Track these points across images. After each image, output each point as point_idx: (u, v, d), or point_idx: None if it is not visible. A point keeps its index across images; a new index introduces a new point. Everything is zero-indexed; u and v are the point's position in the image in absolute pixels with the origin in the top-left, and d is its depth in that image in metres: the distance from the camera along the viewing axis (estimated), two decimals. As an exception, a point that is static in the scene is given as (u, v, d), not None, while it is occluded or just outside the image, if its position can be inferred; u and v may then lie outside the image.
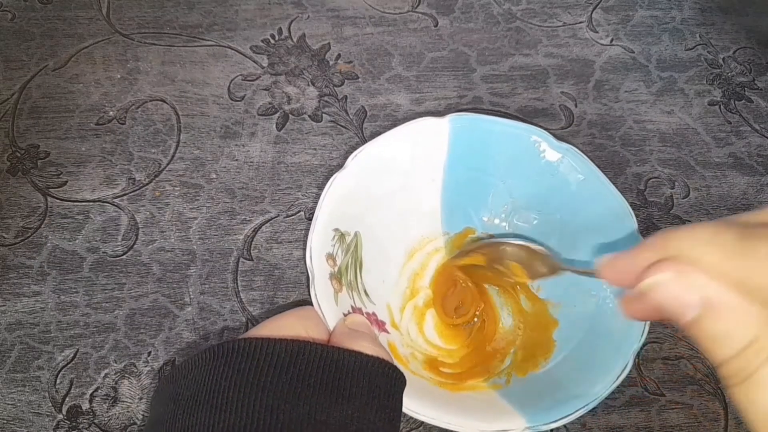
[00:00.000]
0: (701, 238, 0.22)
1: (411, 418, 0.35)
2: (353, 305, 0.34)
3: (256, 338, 0.26)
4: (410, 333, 0.37)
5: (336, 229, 0.35)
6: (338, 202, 0.36)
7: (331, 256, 0.34)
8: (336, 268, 0.34)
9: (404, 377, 0.29)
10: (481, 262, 0.37)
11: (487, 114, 0.40)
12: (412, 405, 0.30)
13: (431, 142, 0.39)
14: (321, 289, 0.33)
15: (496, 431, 0.30)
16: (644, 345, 0.34)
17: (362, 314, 0.34)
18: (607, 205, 0.36)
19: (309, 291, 0.33)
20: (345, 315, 0.33)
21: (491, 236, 0.40)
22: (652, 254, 0.23)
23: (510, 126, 0.38)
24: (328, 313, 0.32)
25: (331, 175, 0.36)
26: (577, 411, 0.31)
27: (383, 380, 0.27)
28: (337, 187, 0.36)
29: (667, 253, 0.23)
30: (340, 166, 0.37)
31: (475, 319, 0.37)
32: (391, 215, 0.38)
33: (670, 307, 0.22)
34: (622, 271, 0.26)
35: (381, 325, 0.35)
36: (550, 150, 0.38)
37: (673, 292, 0.22)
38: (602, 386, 0.31)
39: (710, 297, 0.21)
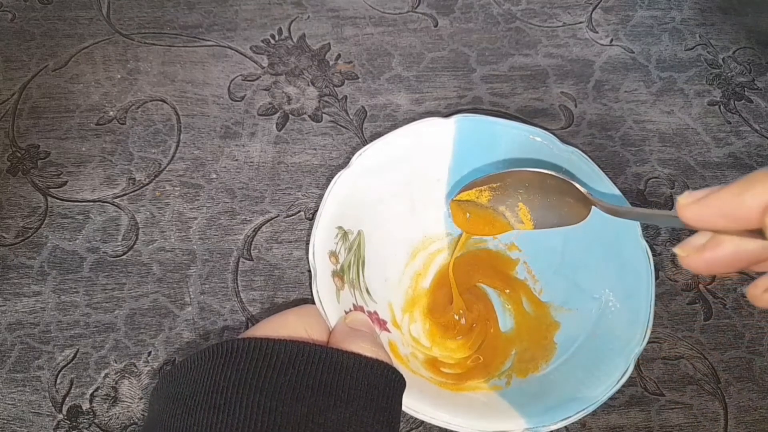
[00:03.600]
0: None
1: (411, 417, 0.35)
2: (355, 303, 0.34)
3: (255, 338, 0.26)
4: (411, 332, 0.37)
5: (339, 227, 0.35)
6: (342, 200, 0.36)
7: (333, 254, 0.34)
8: (338, 266, 0.34)
9: (404, 379, 0.29)
10: (483, 200, 0.34)
11: (488, 114, 0.40)
12: (412, 403, 0.30)
13: (436, 143, 0.39)
14: (323, 286, 0.33)
15: (496, 431, 0.30)
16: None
17: (364, 312, 0.34)
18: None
19: (311, 289, 0.33)
20: (346, 313, 0.33)
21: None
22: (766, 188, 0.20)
23: (515, 128, 0.38)
24: (329, 311, 0.32)
25: (332, 175, 0.36)
26: (577, 413, 0.31)
27: (382, 382, 0.27)
28: (341, 185, 0.36)
29: None
30: (340, 166, 0.37)
31: (474, 324, 0.37)
32: (395, 215, 0.38)
33: None
34: (724, 209, 0.21)
35: (382, 323, 0.35)
36: (555, 152, 0.38)
37: None
38: (603, 389, 0.31)
39: None
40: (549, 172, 0.32)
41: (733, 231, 0.21)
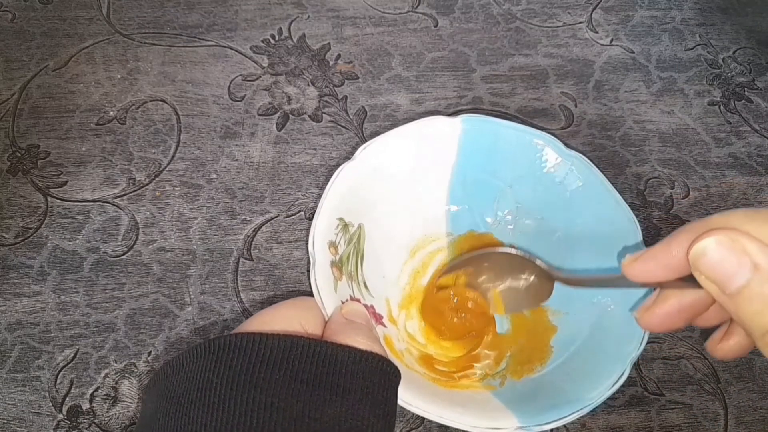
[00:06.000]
0: (744, 215, 0.22)
1: (411, 417, 0.35)
2: (352, 295, 0.34)
3: (248, 333, 0.26)
4: (407, 329, 0.37)
5: (340, 219, 0.35)
6: (344, 193, 0.35)
7: (333, 245, 0.34)
8: (337, 257, 0.34)
9: (399, 372, 0.28)
10: (461, 281, 0.37)
11: (488, 114, 0.40)
12: (406, 396, 0.30)
13: (441, 142, 0.39)
14: (321, 275, 0.32)
15: (489, 428, 0.30)
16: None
17: (360, 303, 0.34)
18: (613, 214, 0.36)
19: (309, 279, 0.33)
20: (343, 303, 0.32)
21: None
22: (692, 235, 0.23)
23: (520, 130, 0.38)
24: (326, 300, 0.32)
25: (331, 175, 0.36)
26: (571, 414, 0.31)
27: (377, 375, 0.27)
28: (344, 177, 0.36)
29: (711, 228, 0.22)
30: (340, 166, 0.37)
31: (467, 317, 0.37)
32: (396, 211, 0.38)
33: (717, 274, 0.22)
34: (658, 261, 0.25)
35: (378, 318, 0.35)
36: (558, 156, 0.38)
37: (724, 256, 0.21)
38: (598, 392, 0.31)
39: (760, 263, 0.21)
40: (513, 251, 0.35)
41: (674, 282, 0.25)
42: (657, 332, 0.30)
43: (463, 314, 0.37)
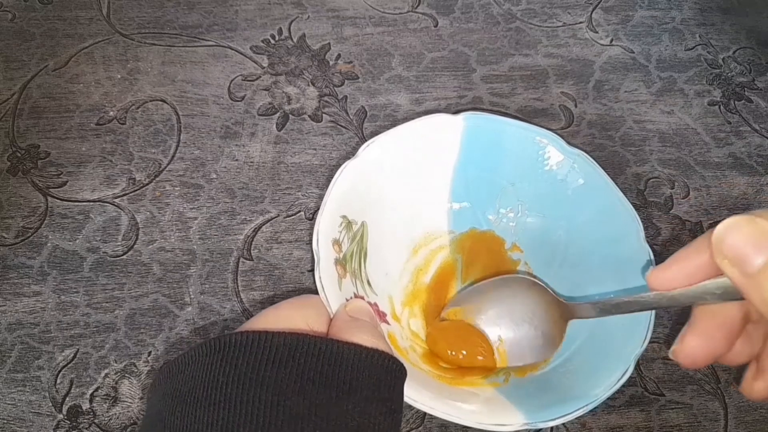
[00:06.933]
0: (763, 210, 0.23)
1: (411, 417, 0.35)
2: (356, 293, 0.34)
3: (253, 331, 0.26)
4: (410, 326, 0.37)
5: (344, 216, 0.35)
6: (347, 190, 0.35)
7: (337, 242, 0.34)
8: (341, 255, 0.34)
9: (405, 369, 0.28)
10: (471, 318, 0.36)
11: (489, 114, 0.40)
12: (411, 393, 0.30)
13: (444, 139, 0.39)
14: (326, 272, 0.32)
15: (495, 424, 0.30)
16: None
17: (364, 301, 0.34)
18: (615, 211, 0.36)
19: (313, 277, 0.32)
20: (347, 300, 0.32)
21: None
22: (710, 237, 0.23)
23: (522, 128, 0.38)
24: (331, 298, 0.32)
25: (332, 175, 0.36)
26: (576, 410, 0.31)
27: (383, 373, 0.27)
28: (347, 175, 0.36)
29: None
30: (340, 166, 0.37)
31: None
32: (398, 209, 0.38)
33: (739, 253, 0.22)
34: (682, 263, 0.25)
35: (382, 316, 0.35)
36: (560, 154, 0.38)
37: (745, 233, 0.22)
38: (602, 389, 0.31)
39: None
40: (528, 277, 0.34)
41: (699, 294, 0.25)
42: (700, 365, 0.29)
43: (464, 352, 0.36)
